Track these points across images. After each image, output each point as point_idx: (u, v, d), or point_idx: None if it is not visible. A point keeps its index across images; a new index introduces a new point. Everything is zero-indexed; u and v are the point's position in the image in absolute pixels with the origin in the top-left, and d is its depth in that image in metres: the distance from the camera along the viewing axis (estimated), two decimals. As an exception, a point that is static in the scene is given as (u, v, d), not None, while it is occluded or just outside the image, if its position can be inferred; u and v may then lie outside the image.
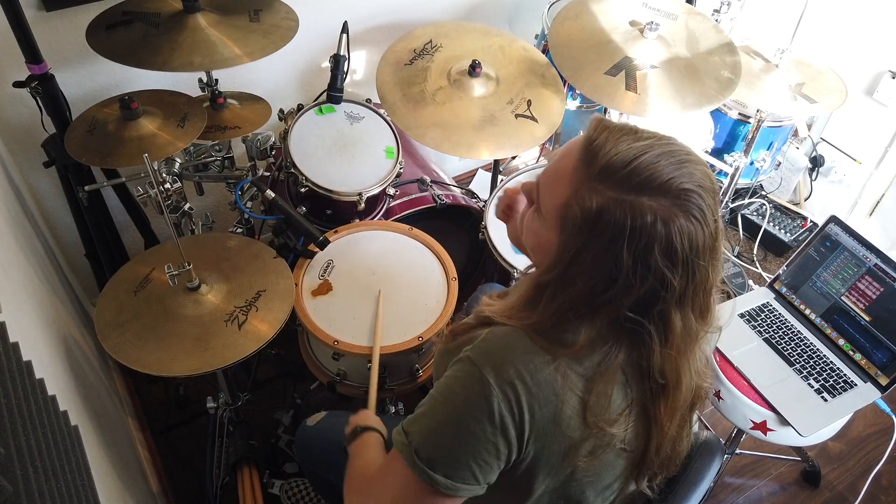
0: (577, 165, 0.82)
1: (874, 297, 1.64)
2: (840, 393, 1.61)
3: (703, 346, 0.92)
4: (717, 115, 2.35)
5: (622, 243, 0.77)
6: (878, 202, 2.55)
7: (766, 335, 1.74)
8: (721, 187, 2.32)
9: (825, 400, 1.60)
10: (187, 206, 1.62)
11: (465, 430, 0.86)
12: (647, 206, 0.77)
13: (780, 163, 2.57)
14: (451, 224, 2.00)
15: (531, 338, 0.87)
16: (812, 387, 1.62)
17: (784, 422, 1.55)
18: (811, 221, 2.73)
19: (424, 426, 0.90)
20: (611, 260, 0.78)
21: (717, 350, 1.68)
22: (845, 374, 1.65)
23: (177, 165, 1.61)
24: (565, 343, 0.85)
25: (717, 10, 2.18)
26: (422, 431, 0.90)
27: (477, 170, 2.87)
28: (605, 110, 2.10)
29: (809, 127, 2.71)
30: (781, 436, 1.58)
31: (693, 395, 0.92)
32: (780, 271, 1.84)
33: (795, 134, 2.61)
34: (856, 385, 1.63)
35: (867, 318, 1.65)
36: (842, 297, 1.70)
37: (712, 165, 2.27)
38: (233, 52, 1.47)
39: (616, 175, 0.78)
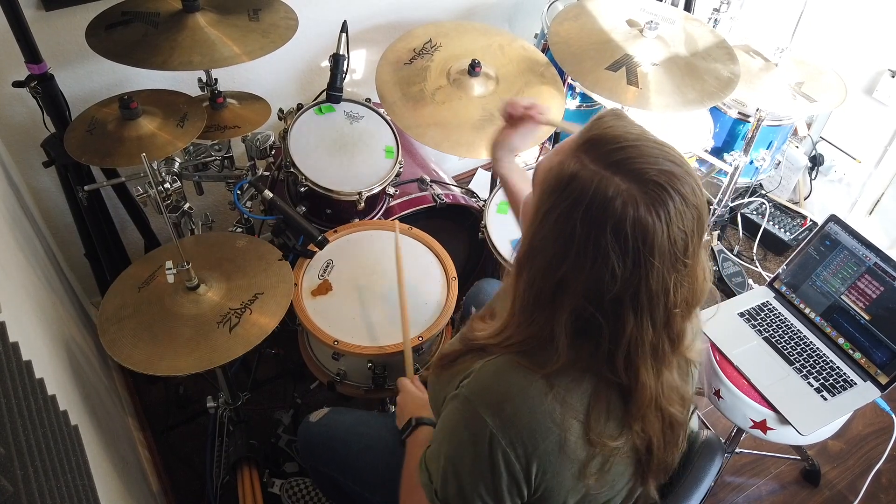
0: (576, 138, 0.83)
1: (874, 295, 1.64)
2: (840, 392, 1.61)
3: (675, 374, 0.89)
4: (716, 113, 2.35)
5: (580, 211, 0.77)
6: (878, 201, 2.55)
7: (766, 334, 1.74)
8: (721, 187, 2.32)
9: (825, 399, 1.60)
10: (187, 205, 1.62)
11: (473, 471, 0.87)
12: (615, 183, 0.76)
13: (779, 162, 2.57)
14: (451, 223, 2.00)
15: (523, 365, 0.86)
16: (812, 385, 1.62)
17: (784, 421, 1.55)
18: (811, 220, 2.72)
19: (439, 466, 0.91)
20: (568, 227, 0.78)
21: (717, 349, 1.68)
22: (845, 373, 1.65)
23: (176, 165, 1.61)
24: (549, 357, 0.85)
25: (716, 9, 2.19)
26: (438, 471, 0.91)
27: (476, 169, 2.87)
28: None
29: (809, 126, 2.71)
30: (781, 435, 1.58)
31: (663, 414, 0.89)
32: (780, 270, 1.84)
33: (795, 133, 2.61)
34: (855, 384, 1.63)
35: (867, 317, 1.65)
36: (841, 296, 1.70)
37: (712, 165, 2.27)
38: (232, 52, 1.47)
39: (601, 148, 0.78)
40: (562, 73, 1.87)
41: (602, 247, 0.76)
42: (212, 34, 1.48)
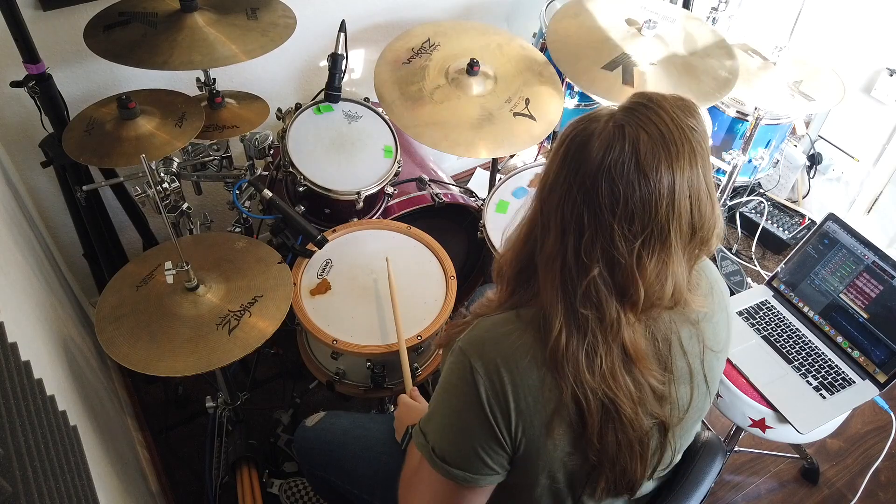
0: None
1: (872, 294, 1.64)
2: (838, 390, 1.62)
3: (615, 351, 0.84)
4: (715, 112, 2.35)
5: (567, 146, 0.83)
6: (876, 199, 2.55)
7: (765, 333, 1.74)
8: (720, 186, 2.32)
9: (823, 397, 1.60)
10: (185, 205, 1.62)
11: (464, 420, 0.88)
12: (604, 123, 0.81)
13: (778, 160, 2.57)
14: (450, 223, 2.00)
15: (518, 316, 0.88)
16: (810, 384, 1.63)
17: (782, 419, 1.55)
18: (809, 219, 2.73)
19: (435, 423, 0.92)
20: (557, 161, 0.84)
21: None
22: (843, 372, 1.65)
23: (175, 165, 1.60)
24: (527, 298, 0.89)
25: (714, 8, 2.18)
26: (434, 430, 0.92)
27: (475, 168, 2.87)
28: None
29: (807, 124, 2.71)
30: (780, 433, 1.58)
31: (607, 387, 0.84)
32: (779, 269, 1.84)
33: (793, 132, 2.61)
34: (854, 382, 1.63)
35: (865, 316, 1.65)
36: (840, 295, 1.70)
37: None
38: (231, 51, 1.47)
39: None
40: (560, 72, 1.86)
41: (569, 157, 0.82)
42: (210, 34, 1.48)
